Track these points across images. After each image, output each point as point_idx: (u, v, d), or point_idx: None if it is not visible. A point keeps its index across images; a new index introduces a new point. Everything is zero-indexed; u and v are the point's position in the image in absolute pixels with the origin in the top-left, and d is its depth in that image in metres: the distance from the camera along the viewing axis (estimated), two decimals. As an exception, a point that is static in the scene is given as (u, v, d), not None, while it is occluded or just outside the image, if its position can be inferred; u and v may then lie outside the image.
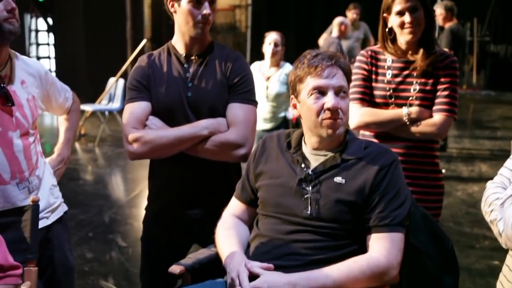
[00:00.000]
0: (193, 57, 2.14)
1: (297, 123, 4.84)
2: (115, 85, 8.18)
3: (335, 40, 6.67)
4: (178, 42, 2.16)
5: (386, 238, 1.66)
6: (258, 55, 5.25)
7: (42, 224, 1.99)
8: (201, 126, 2.05)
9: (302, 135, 1.86)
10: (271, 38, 4.56)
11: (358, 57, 2.53)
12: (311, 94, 1.74)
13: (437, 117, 2.34)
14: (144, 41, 8.38)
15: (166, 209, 2.21)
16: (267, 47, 4.58)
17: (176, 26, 2.15)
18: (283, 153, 1.85)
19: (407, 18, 2.31)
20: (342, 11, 7.83)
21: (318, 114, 1.73)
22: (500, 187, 1.41)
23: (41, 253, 1.89)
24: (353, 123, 2.40)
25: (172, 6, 2.11)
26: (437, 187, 2.45)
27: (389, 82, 2.41)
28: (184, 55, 2.15)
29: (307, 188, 1.74)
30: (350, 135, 1.83)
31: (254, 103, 2.14)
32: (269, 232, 1.77)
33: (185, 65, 2.14)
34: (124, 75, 8.37)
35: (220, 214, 1.97)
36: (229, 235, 1.86)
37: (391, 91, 2.40)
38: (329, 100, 1.71)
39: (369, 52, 2.49)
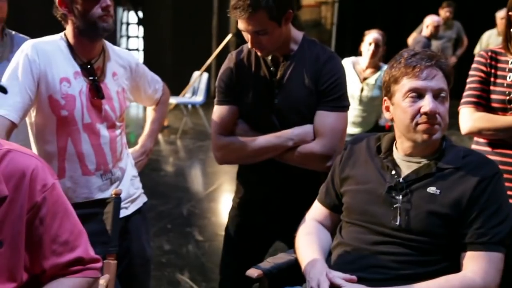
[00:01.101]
0: (280, 60, 2.04)
1: (389, 131, 4.62)
2: (199, 79, 8.29)
3: (422, 39, 6.36)
4: None
5: (483, 257, 1.52)
6: (342, 53, 5.16)
7: (121, 214, 2.00)
8: (286, 137, 1.99)
9: (393, 139, 1.74)
10: (372, 37, 4.18)
11: (476, 58, 2.34)
12: (407, 96, 1.62)
13: None
14: (229, 36, 8.43)
15: (254, 202, 2.18)
16: (366, 47, 4.20)
17: None
18: (372, 158, 1.74)
19: None
20: (434, 9, 7.49)
21: (413, 117, 1.60)
22: None
23: (119, 243, 1.90)
24: (465, 128, 2.24)
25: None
26: None
27: (509, 86, 2.20)
28: (271, 57, 2.05)
29: (397, 197, 1.62)
30: (447, 142, 1.69)
31: (344, 109, 2.02)
32: (353, 241, 1.67)
33: (272, 68, 2.05)
34: (208, 69, 8.48)
35: (304, 215, 1.90)
36: (310, 240, 1.77)
37: None
38: (427, 103, 1.58)
39: (489, 53, 2.28)
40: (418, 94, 1.60)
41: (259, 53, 2.01)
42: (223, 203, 5.11)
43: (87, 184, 1.95)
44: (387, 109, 1.73)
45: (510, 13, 2.20)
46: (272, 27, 1.90)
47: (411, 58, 1.63)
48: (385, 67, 4.29)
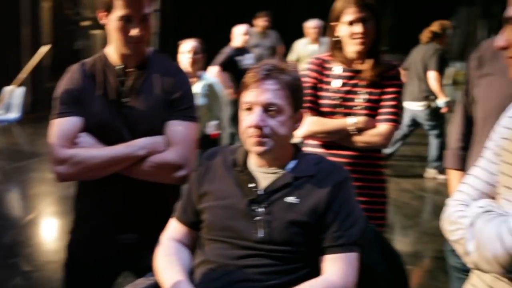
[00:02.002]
0: (129, 69, 1.97)
1: (215, 140, 4.69)
2: (12, 94, 7.61)
3: (226, 50, 6.28)
4: (113, 53, 1.98)
5: (341, 259, 1.59)
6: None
7: None
8: (137, 145, 1.89)
9: (247, 152, 1.75)
10: (189, 46, 4.21)
11: (306, 65, 2.50)
12: (243, 109, 1.66)
13: (382, 127, 2.34)
14: (46, 47, 7.90)
15: (95, 232, 2.01)
16: (185, 56, 4.22)
17: (109, 37, 1.97)
18: (229, 171, 1.73)
19: (358, 28, 2.31)
20: (249, 18, 7.78)
21: (245, 130, 1.65)
22: (463, 205, 1.39)
23: None
24: (300, 132, 2.34)
25: (101, 18, 1.93)
26: (381, 196, 2.46)
27: (336, 91, 2.39)
28: (119, 67, 1.97)
29: (258, 210, 1.63)
30: (300, 151, 1.75)
31: (195, 120, 2.00)
32: (217, 257, 1.64)
33: (121, 78, 1.96)
34: (23, 83, 7.83)
35: (154, 239, 1.81)
36: (170, 261, 1.70)
37: (339, 100, 2.38)
38: (252, 117, 1.62)
39: (318, 60, 2.46)
40: (250, 107, 1.64)
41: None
42: (50, 228, 4.77)
43: None
44: None
45: (333, 23, 2.38)
46: None
47: (251, 71, 1.66)
48: (205, 75, 4.42)
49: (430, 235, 4.65)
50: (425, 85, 5.99)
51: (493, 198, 1.38)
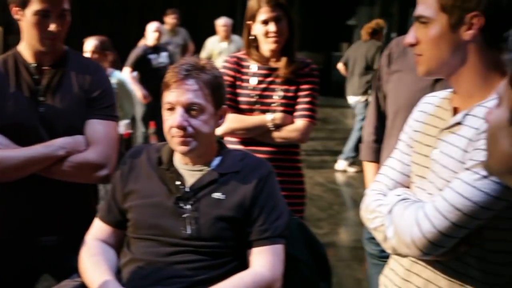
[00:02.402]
0: (45, 67, 1.90)
1: (128, 139, 4.62)
2: None
3: (138, 49, 6.18)
4: (26, 50, 1.91)
5: (268, 251, 1.64)
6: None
7: None
8: (56, 145, 1.83)
9: (172, 150, 1.75)
10: (90, 45, 4.16)
11: (223, 64, 2.54)
12: (165, 109, 1.66)
13: (299, 122, 2.42)
14: None
15: (12, 236, 1.94)
16: (88, 56, 4.09)
17: (23, 33, 1.90)
18: (155, 170, 1.72)
19: (271, 27, 2.38)
20: (159, 15, 7.67)
21: (169, 130, 1.65)
22: (381, 194, 1.47)
23: None
24: (219, 129, 2.35)
25: (16, 13, 1.85)
26: (300, 190, 2.55)
27: (253, 89, 2.45)
28: (34, 65, 1.90)
29: (185, 207, 1.64)
30: (224, 148, 1.78)
31: (115, 118, 1.97)
32: (145, 255, 1.63)
33: (36, 77, 1.89)
34: None
35: (76, 240, 1.77)
36: (97, 261, 1.67)
37: (256, 97, 2.43)
38: (174, 117, 1.63)
39: (234, 59, 2.51)
40: (172, 107, 1.64)
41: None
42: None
43: None
44: None
45: (249, 22, 2.43)
46: None
47: (171, 70, 1.66)
48: (116, 72, 4.33)
49: (342, 226, 4.84)
50: (365, 80, 6.43)
51: (408, 187, 1.47)
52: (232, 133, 2.44)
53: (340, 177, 6.46)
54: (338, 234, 4.71)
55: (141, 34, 7.17)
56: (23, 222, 1.93)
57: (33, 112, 1.86)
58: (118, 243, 1.76)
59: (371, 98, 2.31)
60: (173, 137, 1.64)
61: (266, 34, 2.39)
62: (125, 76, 5.24)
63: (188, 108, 1.63)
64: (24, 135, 1.85)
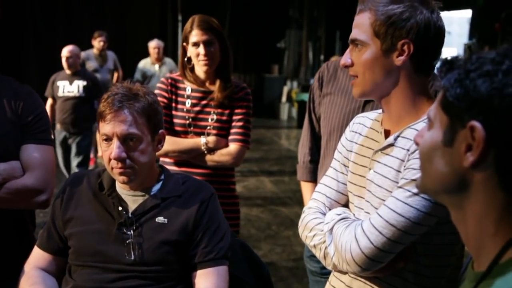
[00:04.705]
0: None
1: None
2: None
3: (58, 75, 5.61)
4: None
5: (212, 272, 1.66)
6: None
7: None
8: None
9: None
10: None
11: (158, 84, 2.55)
12: (102, 140, 1.65)
13: (232, 146, 2.47)
14: None
15: None
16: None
17: None
18: (96, 195, 1.71)
19: (201, 50, 2.41)
20: (85, 39, 7.46)
21: (108, 162, 1.65)
22: (318, 212, 1.52)
23: None
24: None
25: None
26: (235, 212, 2.59)
27: (188, 111, 2.47)
28: None
29: (128, 232, 1.64)
30: (165, 172, 1.79)
31: (51, 142, 1.93)
32: (89, 282, 1.62)
33: None
34: None
35: (13, 270, 1.74)
36: None
37: (190, 119, 2.46)
38: (112, 149, 1.62)
39: (169, 80, 2.52)
40: (109, 138, 1.64)
41: None
42: None
43: None
44: None
45: (184, 43, 2.46)
46: None
47: (105, 100, 1.64)
48: None
49: (281, 245, 4.89)
50: None
51: (344, 205, 1.54)
52: (166, 154, 2.44)
53: (277, 197, 6.54)
54: (277, 253, 4.75)
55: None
56: None
57: None
58: (59, 271, 1.74)
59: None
60: (113, 168, 1.64)
61: (197, 56, 2.42)
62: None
63: (125, 139, 1.62)
64: None
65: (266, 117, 12.66)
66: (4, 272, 1.77)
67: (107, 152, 1.63)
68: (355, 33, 1.42)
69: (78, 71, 5.58)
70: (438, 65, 0.94)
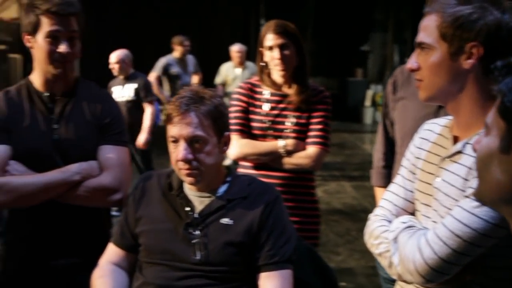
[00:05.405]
0: (57, 96, 1.98)
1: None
2: None
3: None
4: (38, 79, 1.98)
5: (276, 276, 1.67)
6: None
7: None
8: (72, 171, 1.88)
9: None
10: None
11: (236, 89, 2.60)
12: (170, 142, 1.71)
13: (311, 149, 2.45)
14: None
15: (29, 260, 1.98)
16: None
17: (35, 62, 1.97)
18: (165, 195, 1.77)
19: (275, 54, 2.42)
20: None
21: (175, 163, 1.70)
22: (385, 220, 1.49)
23: None
24: (232, 154, 2.44)
25: (28, 41, 1.93)
26: (314, 216, 2.56)
27: (266, 115, 2.49)
28: (46, 93, 1.97)
29: (194, 233, 1.68)
30: (232, 173, 1.82)
31: (126, 144, 2.03)
32: (158, 279, 1.68)
33: (49, 105, 1.96)
34: None
35: (90, 263, 1.83)
36: (104, 283, 1.73)
37: (269, 123, 2.47)
38: (179, 151, 1.67)
39: (248, 85, 2.56)
40: (176, 140, 1.69)
41: None
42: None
43: None
44: None
45: (260, 48, 2.48)
46: None
47: (173, 103, 1.70)
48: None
49: (360, 252, 4.81)
50: None
51: (411, 213, 1.50)
52: (244, 158, 2.48)
53: (357, 203, 6.44)
54: (355, 260, 4.68)
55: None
56: (38, 245, 1.98)
57: (47, 140, 1.92)
58: (130, 267, 1.80)
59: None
60: (180, 169, 1.69)
61: (272, 60, 2.44)
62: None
63: (191, 141, 1.67)
64: (40, 162, 1.90)
65: (349, 121, 12.48)
66: (82, 267, 1.86)
67: (174, 153, 1.68)
68: (421, 36, 1.38)
69: (130, 74, 5.57)
70: (497, 66, 0.89)
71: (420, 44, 1.39)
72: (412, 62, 1.41)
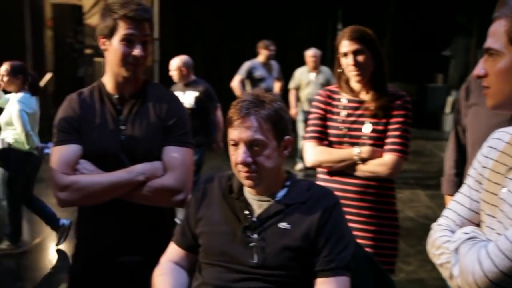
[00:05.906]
0: (126, 98, 2.06)
1: None
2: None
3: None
4: (110, 82, 2.07)
5: (333, 282, 1.65)
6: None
7: None
8: (136, 171, 1.96)
9: None
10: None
11: (315, 96, 2.59)
12: (230, 145, 1.73)
13: (387, 157, 2.38)
14: (49, 75, 8.07)
15: (98, 256, 2.08)
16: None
17: (107, 64, 2.06)
18: (225, 198, 1.80)
19: (350, 60, 2.39)
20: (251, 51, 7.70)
21: (235, 166, 1.71)
22: (448, 230, 1.44)
23: None
24: (309, 161, 2.46)
25: (103, 44, 2.02)
26: (392, 226, 2.50)
27: (343, 122, 2.46)
28: (116, 95, 2.06)
29: (252, 236, 1.69)
30: (292, 178, 1.81)
31: (191, 145, 2.08)
32: (215, 280, 1.70)
33: (118, 107, 2.05)
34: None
35: (154, 261, 1.87)
36: (164, 281, 1.77)
37: (345, 130, 2.44)
38: (238, 154, 1.69)
39: (326, 92, 2.55)
40: (236, 143, 1.70)
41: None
42: (56, 252, 4.79)
43: None
44: None
45: (338, 55, 2.46)
46: None
47: (234, 107, 1.72)
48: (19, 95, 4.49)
49: (431, 263, 4.65)
50: None
51: (476, 224, 1.43)
52: (320, 165, 2.47)
53: (431, 212, 6.24)
54: (427, 271, 4.54)
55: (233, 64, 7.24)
56: (108, 241, 2.06)
57: (115, 140, 2.01)
58: (191, 266, 1.84)
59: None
60: (239, 172, 1.71)
61: (347, 67, 2.41)
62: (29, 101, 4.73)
63: (251, 145, 1.68)
64: (107, 161, 1.99)
65: (428, 128, 12.11)
66: (147, 264, 1.91)
67: (234, 156, 1.70)
68: (489, 42, 1.32)
69: (191, 81, 5.38)
70: None
71: (488, 50, 1.33)
72: (479, 68, 1.35)
